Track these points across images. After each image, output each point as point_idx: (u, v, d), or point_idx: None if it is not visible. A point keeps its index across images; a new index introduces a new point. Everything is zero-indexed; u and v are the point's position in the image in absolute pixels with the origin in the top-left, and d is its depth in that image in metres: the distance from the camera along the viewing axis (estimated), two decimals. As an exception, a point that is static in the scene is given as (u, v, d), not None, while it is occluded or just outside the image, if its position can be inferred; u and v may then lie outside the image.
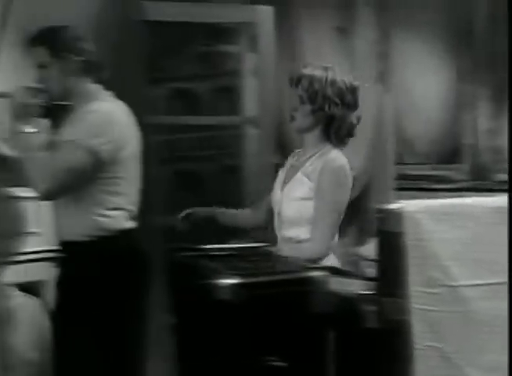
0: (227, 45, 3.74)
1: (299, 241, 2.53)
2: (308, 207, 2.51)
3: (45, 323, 2.74)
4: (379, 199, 3.92)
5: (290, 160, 2.69)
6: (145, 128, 2.63)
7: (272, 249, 2.53)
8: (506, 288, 2.28)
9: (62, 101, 2.55)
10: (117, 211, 2.48)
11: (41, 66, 2.49)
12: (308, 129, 2.58)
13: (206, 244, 2.42)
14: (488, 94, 4.61)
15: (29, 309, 2.83)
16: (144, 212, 2.61)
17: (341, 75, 2.55)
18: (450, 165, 4.66)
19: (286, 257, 2.43)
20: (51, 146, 2.47)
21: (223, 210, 2.81)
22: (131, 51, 3.06)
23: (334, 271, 2.33)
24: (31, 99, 2.43)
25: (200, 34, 3.70)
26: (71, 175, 2.38)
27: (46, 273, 2.80)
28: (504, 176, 3.55)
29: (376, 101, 4.10)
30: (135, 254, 2.54)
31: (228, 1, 3.55)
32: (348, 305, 2.30)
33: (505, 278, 2.29)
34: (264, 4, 3.44)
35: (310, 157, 2.57)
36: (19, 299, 2.80)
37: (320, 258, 2.49)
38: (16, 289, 2.80)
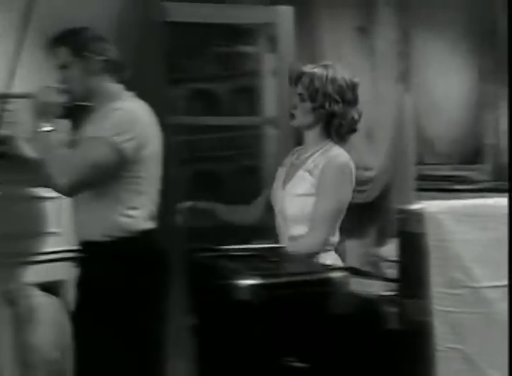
0: (247, 46, 3.74)
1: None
2: (310, 204, 2.50)
3: (65, 322, 2.76)
4: (399, 199, 3.90)
5: (290, 159, 2.67)
6: (165, 128, 2.63)
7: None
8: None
9: (84, 101, 2.56)
10: (138, 210, 2.49)
11: (63, 67, 2.51)
12: (309, 127, 2.58)
13: (226, 245, 2.42)
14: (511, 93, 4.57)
15: (49, 309, 2.84)
16: (164, 212, 2.61)
17: (341, 72, 2.55)
18: (472, 166, 4.62)
19: (307, 257, 2.42)
20: (72, 143, 2.48)
21: (222, 206, 2.79)
22: (152, 51, 3.07)
23: (354, 272, 2.32)
24: (53, 98, 2.45)
25: (220, 35, 3.71)
26: (93, 169, 2.38)
27: (66, 273, 2.81)
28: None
29: (397, 101, 4.08)
30: (155, 254, 2.54)
31: (248, 2, 3.55)
32: (369, 306, 2.29)
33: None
34: (284, 4, 3.43)
35: (312, 154, 2.56)
36: (40, 299, 2.81)
37: (316, 253, 2.47)
38: (37, 289, 2.81)
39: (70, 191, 2.43)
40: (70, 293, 2.65)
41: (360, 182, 4.00)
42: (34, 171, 2.59)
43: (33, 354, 2.76)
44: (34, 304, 2.78)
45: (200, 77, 3.75)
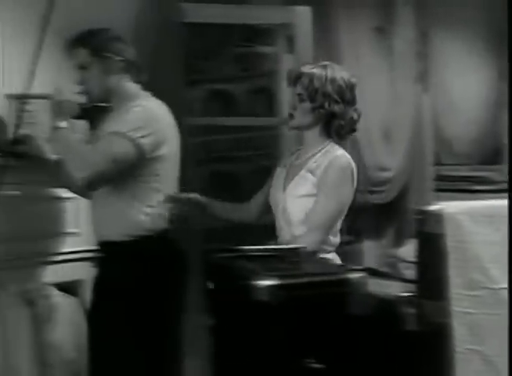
0: (264, 47, 3.74)
1: None
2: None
3: (83, 322, 2.77)
4: (418, 200, 3.88)
5: (290, 159, 2.66)
6: (182, 129, 2.64)
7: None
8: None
9: (102, 102, 2.57)
10: (156, 208, 2.49)
11: (82, 68, 2.52)
12: (308, 127, 2.57)
13: (244, 245, 2.41)
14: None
15: (67, 309, 2.85)
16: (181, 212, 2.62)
17: (340, 72, 2.54)
18: (491, 166, 4.59)
19: (325, 258, 2.41)
20: (91, 140, 2.49)
21: (218, 202, 2.76)
22: (170, 52, 3.08)
23: (373, 272, 2.31)
24: (70, 97, 2.47)
25: (238, 36, 3.71)
26: (112, 164, 2.39)
27: (84, 273, 2.82)
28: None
29: (415, 101, 4.07)
30: (172, 254, 2.55)
31: (265, 3, 3.55)
32: (387, 307, 2.28)
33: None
34: (301, 5, 3.43)
35: (313, 154, 2.54)
36: (59, 299, 2.82)
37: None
38: (56, 289, 2.83)
39: (89, 186, 2.43)
40: (88, 293, 2.66)
41: (378, 183, 4.00)
42: (54, 171, 2.60)
43: (51, 354, 2.77)
44: (52, 304, 2.79)
45: (217, 77, 3.75)
